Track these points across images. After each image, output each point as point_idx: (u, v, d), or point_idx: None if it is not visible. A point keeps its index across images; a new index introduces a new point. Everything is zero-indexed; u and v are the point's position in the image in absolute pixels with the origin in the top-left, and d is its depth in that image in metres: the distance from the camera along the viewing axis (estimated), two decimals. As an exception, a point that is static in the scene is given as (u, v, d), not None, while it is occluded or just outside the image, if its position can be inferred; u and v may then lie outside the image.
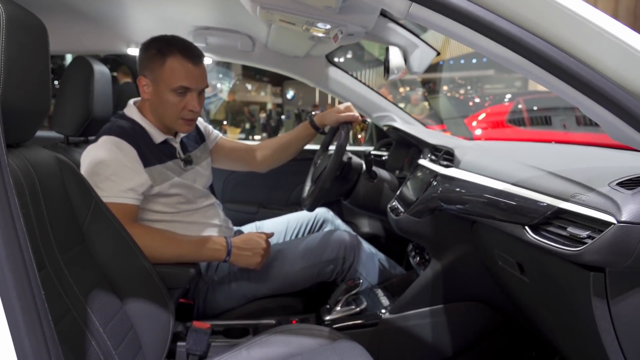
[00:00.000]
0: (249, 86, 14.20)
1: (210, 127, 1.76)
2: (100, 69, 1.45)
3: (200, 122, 1.70)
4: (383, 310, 1.44)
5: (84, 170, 1.33)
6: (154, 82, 1.37)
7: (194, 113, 1.40)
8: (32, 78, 0.86)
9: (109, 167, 1.30)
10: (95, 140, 1.37)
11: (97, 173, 1.30)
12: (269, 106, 13.97)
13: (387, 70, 1.50)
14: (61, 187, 1.00)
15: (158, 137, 1.43)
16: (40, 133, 0.97)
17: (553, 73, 0.68)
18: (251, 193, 2.19)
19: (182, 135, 1.52)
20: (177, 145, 1.50)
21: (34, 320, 0.54)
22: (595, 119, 0.76)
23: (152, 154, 1.39)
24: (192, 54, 1.36)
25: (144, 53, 1.38)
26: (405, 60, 1.51)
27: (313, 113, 1.75)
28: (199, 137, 1.66)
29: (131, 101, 1.48)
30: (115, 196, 1.28)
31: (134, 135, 1.37)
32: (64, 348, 0.59)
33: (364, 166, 1.70)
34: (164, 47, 1.35)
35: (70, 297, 0.91)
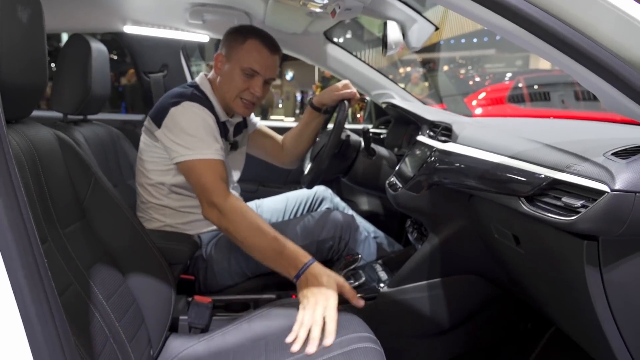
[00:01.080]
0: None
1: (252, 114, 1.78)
2: (98, 47, 1.45)
3: None
4: (381, 284, 1.47)
5: (171, 132, 1.37)
6: (228, 58, 1.44)
7: (254, 97, 1.45)
8: (29, 54, 0.86)
9: (199, 129, 1.37)
10: (174, 104, 1.40)
11: (187, 134, 1.35)
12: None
13: (385, 45, 1.49)
14: (61, 163, 1.01)
15: (222, 115, 1.50)
16: (39, 113, 0.98)
17: (548, 41, 0.68)
18: (250, 171, 2.19)
19: (237, 119, 1.58)
20: (231, 129, 1.56)
21: (38, 288, 0.56)
22: (590, 88, 0.76)
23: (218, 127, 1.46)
24: (270, 42, 1.44)
25: (229, 34, 1.47)
26: (404, 35, 1.50)
27: (311, 97, 1.75)
28: (244, 123, 1.70)
29: (202, 74, 1.54)
30: (210, 153, 1.33)
31: (209, 106, 1.44)
32: (68, 320, 0.61)
33: (363, 143, 1.71)
34: (248, 30, 1.45)
35: (72, 271, 0.92)
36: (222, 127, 1.50)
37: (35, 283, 0.55)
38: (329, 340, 1.00)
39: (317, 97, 1.70)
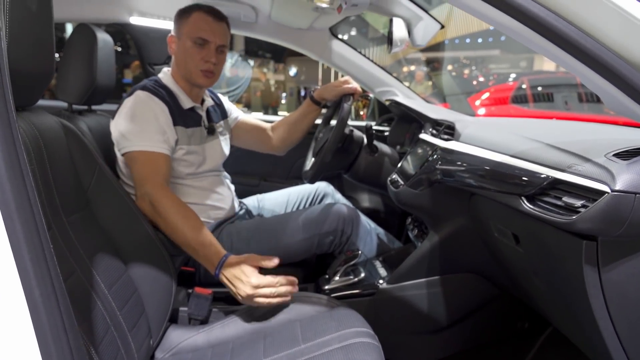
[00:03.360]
0: (251, 62, 14.06)
1: (233, 105, 1.82)
2: (103, 37, 1.45)
3: (225, 100, 1.78)
4: (381, 281, 1.47)
5: (119, 121, 1.41)
6: (179, 36, 1.50)
7: (210, 64, 1.48)
8: (37, 42, 0.87)
9: (142, 119, 1.39)
10: (128, 95, 1.45)
11: (131, 124, 1.38)
12: (272, 82, 13.88)
13: (390, 42, 1.49)
14: (66, 152, 1.01)
15: (187, 102, 1.53)
16: (44, 102, 0.98)
17: (553, 41, 0.68)
18: (253, 166, 2.21)
19: (208, 105, 1.61)
20: (203, 114, 1.58)
21: (43, 272, 0.56)
22: (593, 89, 0.76)
23: (180, 116, 1.48)
24: (215, 11, 1.50)
25: (176, 15, 1.53)
26: (409, 32, 1.50)
27: (312, 89, 1.75)
28: (223, 112, 1.73)
29: (165, 68, 1.59)
30: (150, 145, 1.36)
31: (165, 96, 1.47)
32: (71, 306, 0.61)
33: (365, 140, 1.71)
34: (191, 7, 1.51)
35: (75, 259, 0.93)
36: (190, 114, 1.53)
37: (41, 267, 0.55)
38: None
39: (319, 91, 1.70)
